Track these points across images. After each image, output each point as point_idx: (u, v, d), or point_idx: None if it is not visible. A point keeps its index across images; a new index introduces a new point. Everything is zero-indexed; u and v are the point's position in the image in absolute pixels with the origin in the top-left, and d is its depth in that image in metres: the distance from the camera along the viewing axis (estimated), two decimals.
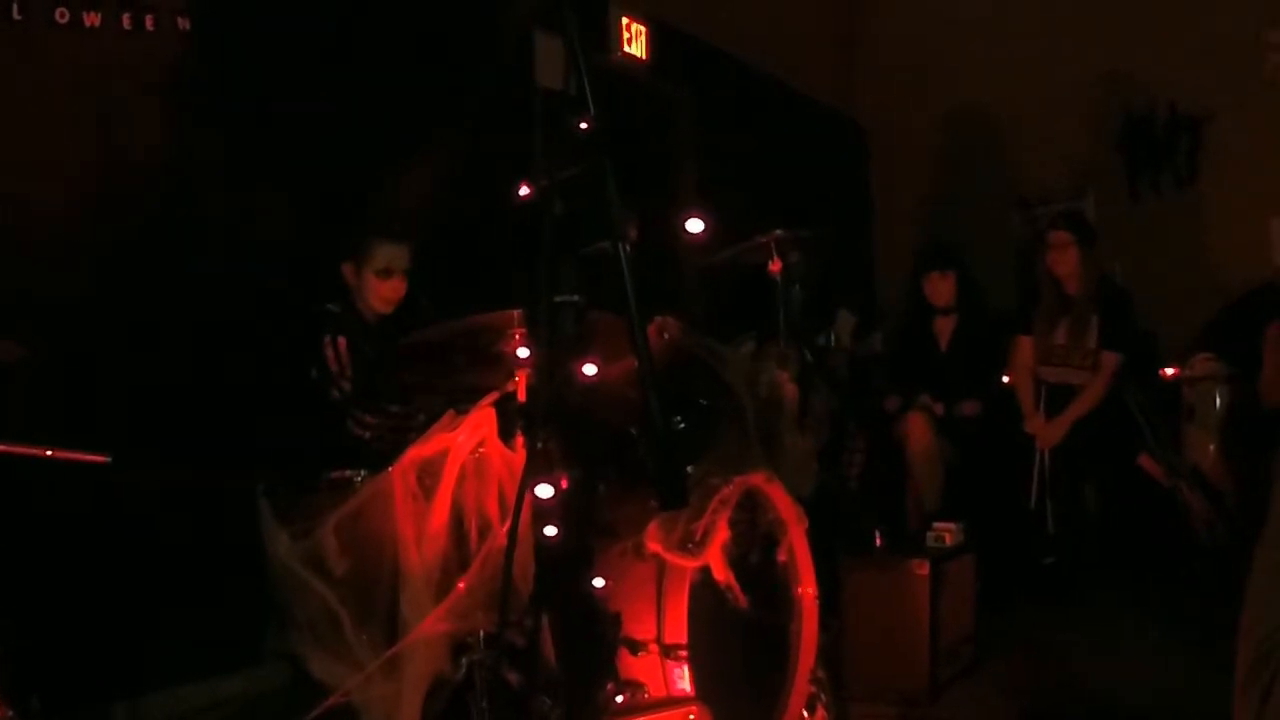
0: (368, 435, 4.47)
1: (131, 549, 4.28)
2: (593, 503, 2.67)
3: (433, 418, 3.77)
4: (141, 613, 4.26)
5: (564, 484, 2.19)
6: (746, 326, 6.22)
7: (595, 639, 3.16)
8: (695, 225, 3.18)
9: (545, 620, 2.58)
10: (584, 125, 2.06)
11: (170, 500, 4.35)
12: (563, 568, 2.25)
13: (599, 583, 3.15)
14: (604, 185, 2.03)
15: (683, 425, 3.83)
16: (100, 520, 4.17)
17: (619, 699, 3.23)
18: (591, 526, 2.56)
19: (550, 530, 2.19)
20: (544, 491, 2.20)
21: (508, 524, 2.66)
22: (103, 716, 4.19)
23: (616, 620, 3.32)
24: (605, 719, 3.21)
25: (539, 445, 2.18)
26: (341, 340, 4.51)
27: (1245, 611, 2.11)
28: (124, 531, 4.26)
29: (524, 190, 2.27)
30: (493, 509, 3.52)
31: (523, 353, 3.21)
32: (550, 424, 2.17)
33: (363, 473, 3.93)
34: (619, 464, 3.56)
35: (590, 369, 2.19)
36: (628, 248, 2.05)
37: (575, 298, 2.12)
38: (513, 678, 3.28)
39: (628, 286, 2.01)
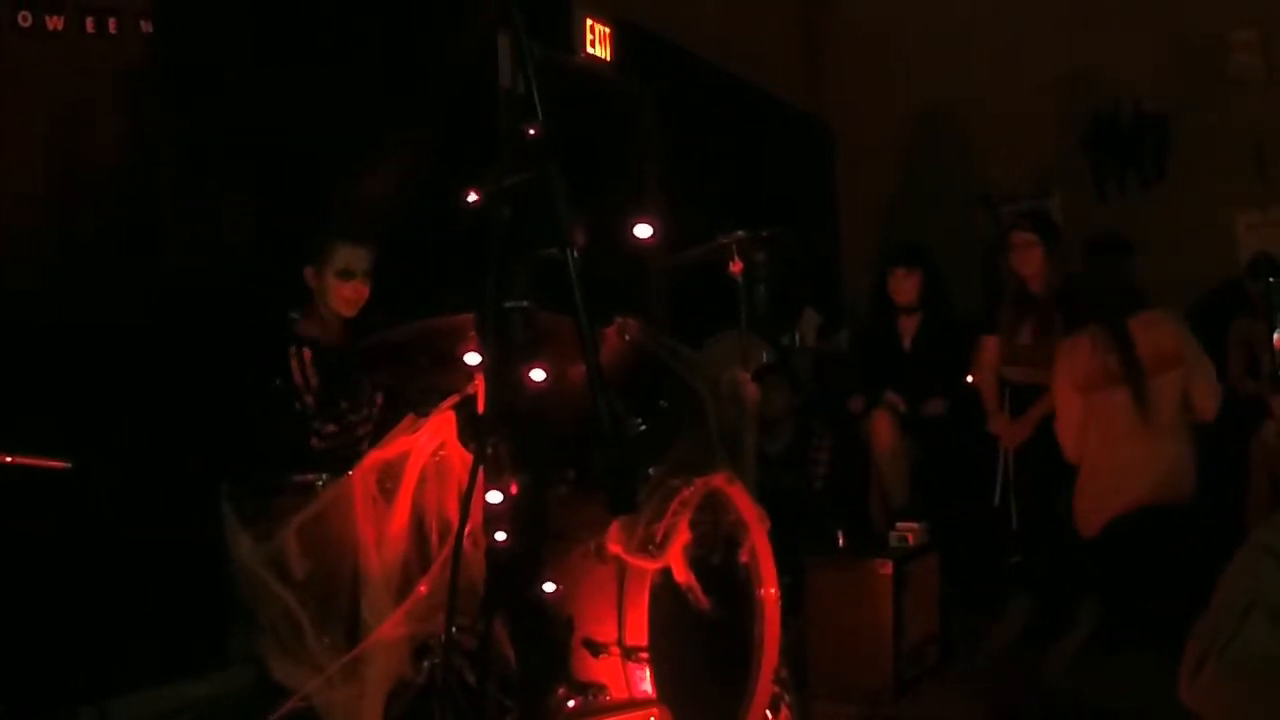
0: (325, 445, 4.44)
1: (96, 553, 4.27)
2: (546, 507, 2.66)
3: (383, 422, 3.78)
4: (107, 617, 4.25)
5: (514, 489, 2.18)
6: (712, 326, 6.22)
7: (549, 642, 3.16)
8: (644, 230, 3.19)
9: (500, 624, 2.58)
10: (531, 131, 2.06)
11: (134, 504, 4.34)
12: (513, 572, 2.24)
13: (549, 587, 3.15)
14: (551, 190, 2.03)
15: (644, 426, 3.84)
16: (64, 524, 4.15)
17: (570, 704, 3.25)
18: (544, 531, 2.56)
19: (500, 535, 2.20)
20: (493, 497, 2.20)
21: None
22: None
23: (569, 624, 3.33)
24: None
25: (489, 450, 2.18)
26: (307, 352, 4.47)
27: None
28: (88, 535, 4.25)
29: (472, 196, 2.27)
30: (453, 512, 3.53)
31: (472, 358, 3.21)
32: (502, 428, 2.17)
33: (324, 476, 3.94)
34: (578, 467, 3.56)
35: (539, 374, 2.19)
36: (575, 253, 2.05)
37: (524, 303, 2.12)
38: (473, 680, 3.29)
39: (575, 291, 2.02)
